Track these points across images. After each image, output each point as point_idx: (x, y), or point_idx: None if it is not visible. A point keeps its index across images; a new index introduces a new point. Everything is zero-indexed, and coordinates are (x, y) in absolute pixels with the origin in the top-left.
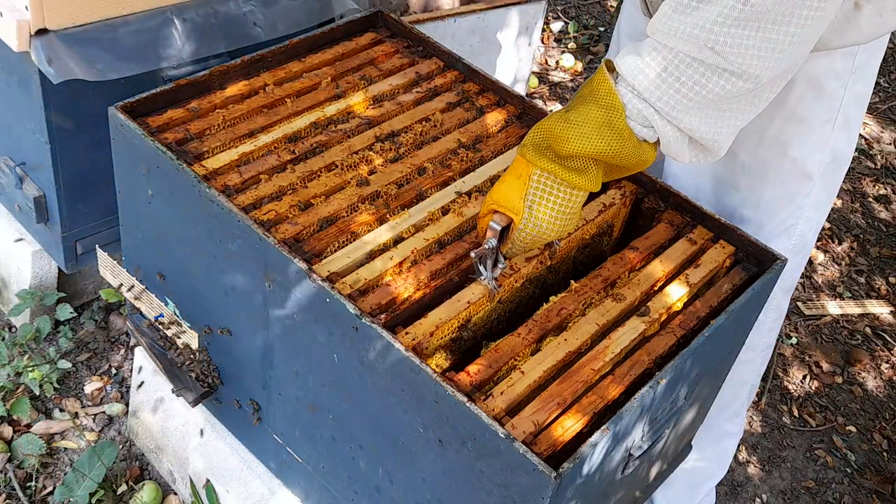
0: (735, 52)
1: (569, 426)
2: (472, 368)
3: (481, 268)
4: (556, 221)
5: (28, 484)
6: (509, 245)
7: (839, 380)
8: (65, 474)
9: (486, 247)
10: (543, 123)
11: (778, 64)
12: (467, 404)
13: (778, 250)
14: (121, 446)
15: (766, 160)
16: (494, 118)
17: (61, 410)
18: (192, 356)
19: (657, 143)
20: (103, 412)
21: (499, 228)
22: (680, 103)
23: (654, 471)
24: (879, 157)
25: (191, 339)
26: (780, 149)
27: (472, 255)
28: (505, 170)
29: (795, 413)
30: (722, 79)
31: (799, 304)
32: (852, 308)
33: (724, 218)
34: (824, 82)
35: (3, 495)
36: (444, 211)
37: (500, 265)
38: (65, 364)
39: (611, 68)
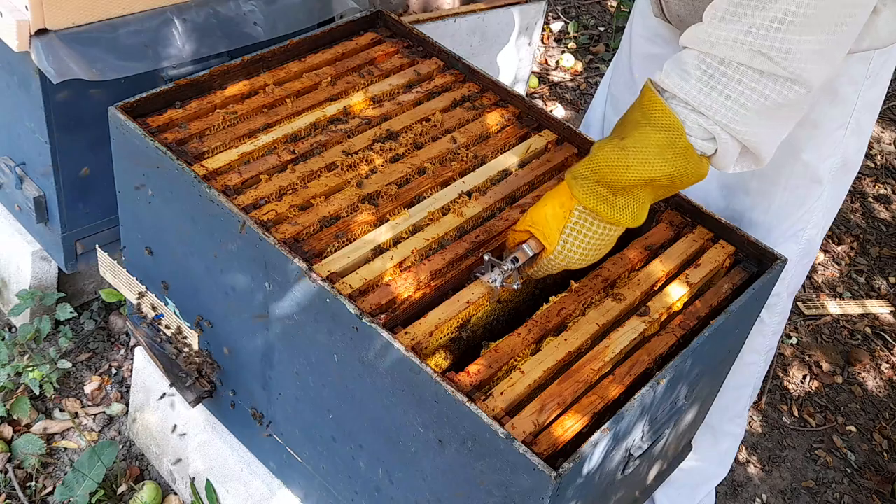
0: (791, 58)
1: (569, 426)
2: (472, 368)
3: (493, 273)
4: (588, 254)
5: (28, 484)
6: (535, 269)
7: (839, 380)
8: (65, 474)
9: (508, 265)
10: (596, 154)
11: (828, 68)
12: (467, 404)
13: (787, 254)
14: (121, 446)
15: (778, 164)
16: (494, 118)
17: (61, 410)
18: (192, 356)
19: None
20: (103, 412)
21: (530, 255)
22: (738, 113)
23: (654, 471)
24: (879, 157)
25: (191, 339)
26: (792, 153)
27: (487, 258)
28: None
29: (795, 413)
30: (778, 85)
31: (799, 304)
32: (852, 308)
33: (734, 221)
34: (839, 87)
35: (3, 495)
36: (444, 211)
37: (513, 282)
38: (65, 364)
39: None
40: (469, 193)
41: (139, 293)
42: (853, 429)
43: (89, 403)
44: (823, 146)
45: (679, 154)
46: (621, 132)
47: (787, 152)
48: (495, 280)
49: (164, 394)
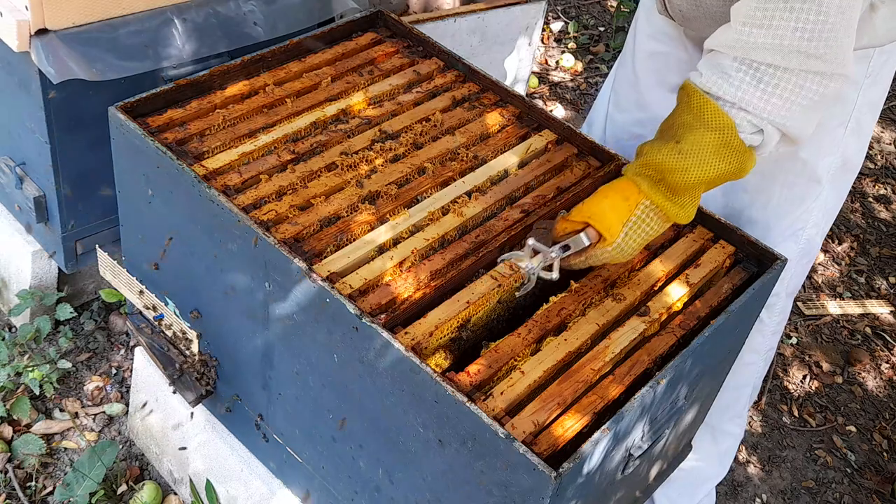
0: (830, 53)
1: (569, 426)
2: (472, 368)
3: (532, 260)
4: (638, 248)
5: (28, 484)
6: (583, 258)
7: (839, 380)
8: (65, 474)
9: (557, 252)
10: (653, 157)
11: (851, 58)
12: (467, 404)
13: (786, 254)
14: (121, 446)
15: (777, 161)
16: (494, 118)
17: (61, 410)
18: (192, 356)
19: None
20: (103, 412)
21: (585, 245)
22: (783, 108)
23: (654, 471)
24: (879, 157)
25: (191, 339)
26: (791, 151)
27: (530, 242)
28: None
29: (795, 413)
30: (822, 79)
31: (799, 304)
32: (852, 308)
33: (732, 219)
34: None
35: (3, 495)
36: (444, 211)
37: (553, 273)
38: (65, 364)
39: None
40: (469, 193)
41: (139, 293)
42: (853, 429)
43: (89, 403)
44: (822, 145)
45: (734, 151)
46: (675, 136)
47: (784, 151)
48: (532, 269)
49: (164, 394)
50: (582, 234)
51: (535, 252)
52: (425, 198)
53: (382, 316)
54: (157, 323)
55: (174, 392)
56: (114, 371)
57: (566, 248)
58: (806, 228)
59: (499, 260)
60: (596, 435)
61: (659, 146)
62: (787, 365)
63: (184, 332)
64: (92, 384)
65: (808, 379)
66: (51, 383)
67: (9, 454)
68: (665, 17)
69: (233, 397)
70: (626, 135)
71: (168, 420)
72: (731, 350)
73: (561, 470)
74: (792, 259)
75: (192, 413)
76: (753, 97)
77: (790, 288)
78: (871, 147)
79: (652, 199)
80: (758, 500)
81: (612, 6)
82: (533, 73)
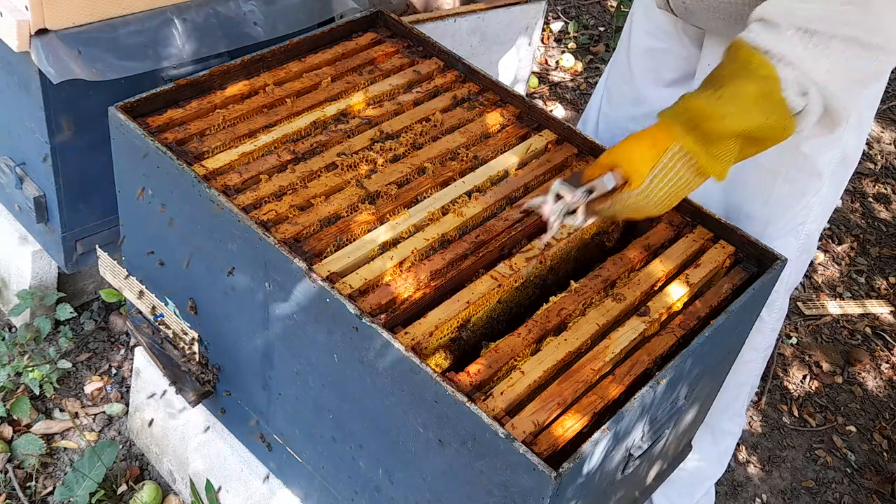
0: (880, 26)
1: (569, 426)
2: (472, 368)
3: (557, 205)
4: (667, 198)
5: (28, 484)
6: (608, 204)
7: (839, 380)
8: (65, 474)
9: (578, 196)
10: (691, 103)
11: None
12: (467, 404)
13: (786, 250)
14: (121, 446)
15: (778, 156)
16: (494, 118)
17: (61, 410)
18: (191, 356)
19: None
20: (103, 412)
21: (611, 187)
22: (832, 73)
23: (654, 471)
24: (879, 157)
25: (191, 339)
26: (792, 145)
27: (557, 184)
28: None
29: (795, 413)
30: (868, 51)
31: (799, 304)
32: (852, 308)
33: (731, 214)
34: None
35: (3, 495)
36: (444, 211)
37: (577, 219)
38: (65, 364)
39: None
40: (469, 193)
41: (139, 293)
42: (853, 429)
43: (89, 403)
44: (824, 139)
45: (775, 106)
46: (716, 84)
47: (786, 144)
48: (557, 214)
49: (164, 394)
50: (606, 176)
51: (559, 196)
52: (425, 198)
53: (382, 316)
54: (157, 323)
55: (175, 392)
56: (114, 371)
57: (590, 191)
58: (806, 223)
59: (524, 207)
60: (596, 435)
61: (698, 93)
62: (787, 365)
63: (184, 332)
64: (92, 384)
65: (808, 379)
66: (51, 383)
67: (9, 454)
68: (664, 13)
69: (224, 393)
70: (619, 130)
71: (168, 420)
72: (731, 350)
73: (561, 470)
74: (792, 255)
75: (192, 413)
76: (803, 54)
77: (789, 284)
78: (871, 147)
79: (683, 145)
80: (758, 500)
81: (612, 6)
82: (533, 73)
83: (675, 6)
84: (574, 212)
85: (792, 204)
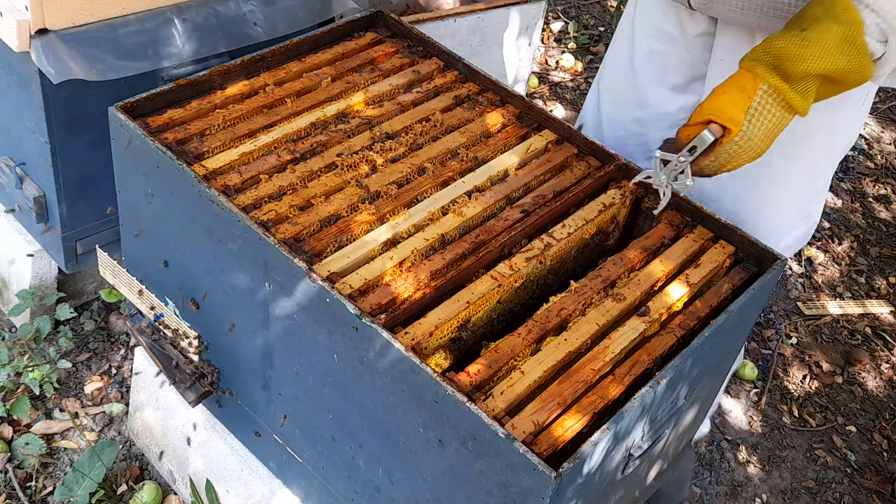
0: None
1: (569, 426)
2: (472, 368)
3: (662, 175)
4: (764, 140)
5: (28, 484)
6: (712, 158)
7: (839, 380)
8: (65, 474)
9: (685, 156)
10: (774, 43)
11: None
12: (467, 404)
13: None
14: (121, 446)
15: (800, 139)
16: (494, 118)
17: (61, 410)
18: (191, 356)
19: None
20: (103, 412)
21: (713, 139)
22: None
23: (654, 471)
24: (879, 157)
25: (191, 339)
26: (809, 131)
27: (658, 153)
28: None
29: (795, 413)
30: None
31: (799, 304)
32: (852, 308)
33: (729, 202)
34: None
35: (3, 495)
36: (444, 211)
37: (686, 180)
38: (65, 364)
39: None
40: (469, 193)
41: (139, 293)
42: (853, 429)
43: (89, 403)
44: (837, 122)
45: (855, 50)
46: (800, 25)
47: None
48: (664, 181)
49: (164, 394)
50: (706, 131)
51: (665, 163)
52: (425, 198)
53: (382, 316)
54: (156, 323)
55: (175, 392)
56: (114, 371)
57: (693, 150)
58: (815, 209)
59: (633, 182)
60: (596, 435)
61: (782, 34)
62: (787, 365)
63: (184, 332)
64: (92, 384)
65: (808, 379)
66: (51, 383)
67: (9, 454)
68: (665, 12)
69: (224, 393)
70: (625, 133)
71: (168, 420)
72: (731, 350)
73: (561, 470)
74: (799, 236)
75: (192, 413)
76: (886, 3)
77: (794, 244)
78: (871, 147)
79: (771, 83)
80: (758, 500)
81: (612, 6)
82: (533, 73)
83: None
84: (681, 174)
85: (806, 188)
